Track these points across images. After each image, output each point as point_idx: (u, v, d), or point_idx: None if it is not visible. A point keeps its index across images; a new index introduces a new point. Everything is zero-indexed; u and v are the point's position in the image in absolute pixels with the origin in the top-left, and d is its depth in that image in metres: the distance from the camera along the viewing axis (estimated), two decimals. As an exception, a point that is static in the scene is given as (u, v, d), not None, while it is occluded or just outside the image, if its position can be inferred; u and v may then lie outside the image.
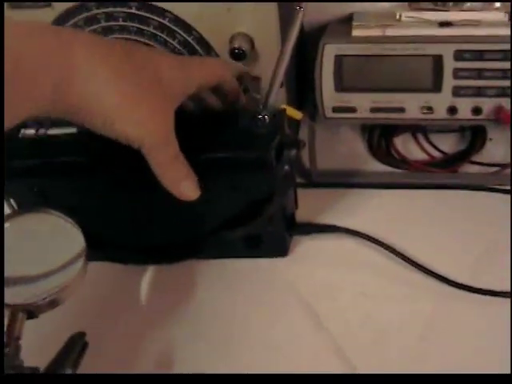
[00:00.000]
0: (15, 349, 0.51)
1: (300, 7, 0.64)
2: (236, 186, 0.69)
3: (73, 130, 0.71)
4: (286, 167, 0.67)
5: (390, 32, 0.77)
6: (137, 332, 0.69)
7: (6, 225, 0.57)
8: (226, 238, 0.73)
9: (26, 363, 0.51)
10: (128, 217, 0.72)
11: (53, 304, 0.54)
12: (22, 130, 0.72)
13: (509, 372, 0.57)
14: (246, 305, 0.71)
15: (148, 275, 0.76)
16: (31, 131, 0.72)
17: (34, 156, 0.70)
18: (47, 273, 0.55)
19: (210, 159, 0.66)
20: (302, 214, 0.79)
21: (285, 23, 0.69)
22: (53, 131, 0.72)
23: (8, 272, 0.54)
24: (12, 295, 0.53)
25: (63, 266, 0.55)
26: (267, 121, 0.67)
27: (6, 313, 0.52)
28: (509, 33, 0.73)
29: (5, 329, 0.52)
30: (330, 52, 0.77)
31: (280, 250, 0.75)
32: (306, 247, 0.77)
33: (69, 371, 0.52)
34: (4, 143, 0.53)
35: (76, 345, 0.54)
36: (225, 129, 0.69)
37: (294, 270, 0.74)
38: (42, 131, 0.72)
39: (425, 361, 0.63)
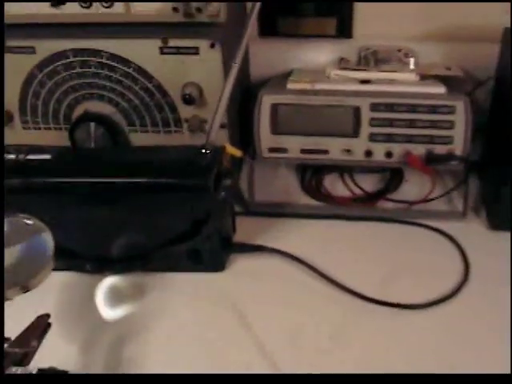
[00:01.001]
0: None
1: (235, 63, 0.79)
2: (180, 207, 0.82)
3: (47, 156, 0.84)
4: (223, 194, 0.81)
5: (318, 86, 0.92)
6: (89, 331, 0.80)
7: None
8: (171, 253, 0.86)
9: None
10: (88, 231, 0.85)
11: (25, 289, 0.67)
12: (5, 155, 0.85)
13: (509, 372, 0.66)
14: (186, 311, 0.83)
15: (103, 283, 0.88)
16: (12, 156, 0.85)
17: (16, 177, 0.83)
18: (21, 264, 0.68)
19: (158, 183, 0.80)
20: (239, 237, 0.92)
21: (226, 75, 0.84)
22: (30, 157, 0.85)
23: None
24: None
25: (35, 259, 0.68)
26: (209, 155, 0.81)
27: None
28: (417, 90, 0.88)
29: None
30: (266, 101, 0.91)
31: (217, 265, 0.88)
32: (240, 264, 0.90)
33: (34, 343, 0.65)
34: (4, 143, 0.66)
35: (41, 323, 0.68)
36: (173, 159, 0.83)
37: (229, 283, 0.87)
38: (21, 156, 0.85)
39: (332, 357, 0.76)
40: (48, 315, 0.69)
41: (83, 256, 0.87)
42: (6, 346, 0.64)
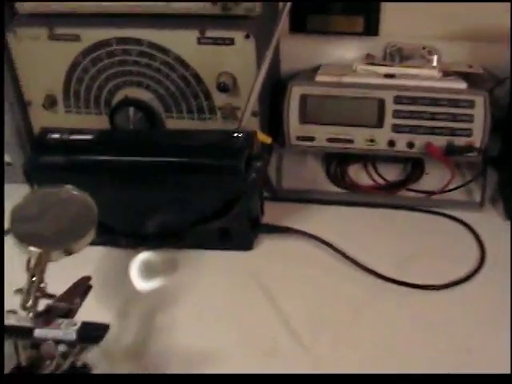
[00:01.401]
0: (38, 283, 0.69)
1: (267, 54, 0.85)
2: (212, 187, 0.87)
3: (89, 136, 0.90)
4: (253, 175, 0.86)
5: (345, 79, 0.97)
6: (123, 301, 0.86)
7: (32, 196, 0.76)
8: (202, 231, 0.91)
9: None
10: (124, 208, 0.90)
11: (70, 252, 0.72)
12: (49, 135, 0.91)
13: (509, 372, 0.68)
14: (215, 286, 0.88)
15: (137, 258, 0.93)
16: (56, 136, 0.91)
17: (59, 154, 0.88)
18: (66, 229, 0.73)
19: (192, 164, 0.86)
20: (267, 221, 0.97)
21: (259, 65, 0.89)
22: (73, 137, 0.91)
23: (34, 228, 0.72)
24: (39, 242, 0.71)
25: (79, 224, 0.74)
26: (241, 139, 0.87)
27: (35, 256, 0.71)
28: (439, 85, 0.94)
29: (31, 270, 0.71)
30: (296, 92, 0.97)
31: (246, 244, 0.93)
32: (267, 244, 0.95)
33: (77, 301, 0.71)
34: (3, 143, 0.71)
35: (83, 284, 0.73)
36: (207, 142, 0.88)
37: (257, 262, 0.92)
38: (64, 136, 0.91)
39: (353, 333, 0.80)
40: (90, 277, 0.74)
41: (119, 232, 0.91)
42: (51, 301, 0.69)
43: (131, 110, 0.97)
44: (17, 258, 0.70)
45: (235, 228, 0.90)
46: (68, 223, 0.73)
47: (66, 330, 0.64)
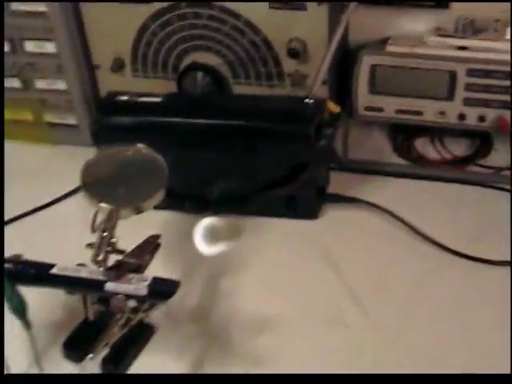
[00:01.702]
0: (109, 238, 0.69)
1: (341, 20, 0.83)
2: (280, 153, 0.86)
3: (157, 99, 0.90)
4: (323, 142, 0.86)
5: (416, 50, 0.95)
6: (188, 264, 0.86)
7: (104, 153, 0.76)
8: (268, 198, 0.90)
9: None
10: (190, 172, 0.89)
11: (139, 211, 0.72)
12: (117, 97, 0.91)
13: (509, 372, 0.66)
14: (279, 254, 0.89)
15: (202, 223, 0.93)
16: (125, 97, 0.91)
17: (128, 115, 0.88)
18: (136, 187, 0.73)
19: (261, 128, 0.85)
20: (331, 190, 0.96)
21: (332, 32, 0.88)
22: (141, 99, 0.91)
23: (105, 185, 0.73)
24: (110, 198, 0.71)
25: (149, 183, 0.73)
26: (311, 105, 0.86)
27: (105, 212, 0.71)
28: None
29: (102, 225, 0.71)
30: (366, 61, 0.95)
31: (311, 213, 0.93)
32: (332, 214, 0.94)
33: (147, 258, 0.71)
34: (3, 144, 0.71)
35: (152, 241, 0.73)
36: (277, 107, 0.87)
37: (322, 231, 0.91)
38: (133, 98, 0.91)
39: (416, 304, 0.80)
40: (159, 235, 0.74)
41: (184, 196, 0.91)
42: (121, 256, 0.69)
43: (199, 74, 0.97)
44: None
45: (301, 196, 0.90)
46: (138, 182, 0.73)
47: (137, 285, 0.64)
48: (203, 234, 0.90)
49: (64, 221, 0.98)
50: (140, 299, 0.64)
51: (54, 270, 0.68)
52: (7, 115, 1.12)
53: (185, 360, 0.75)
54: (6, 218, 0.97)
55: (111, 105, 0.90)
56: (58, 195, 1.03)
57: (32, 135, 1.13)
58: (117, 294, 0.64)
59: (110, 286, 0.65)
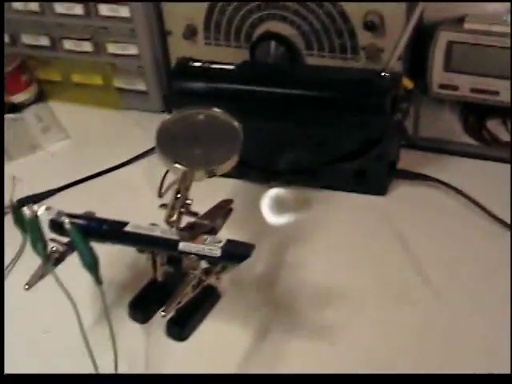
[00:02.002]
0: (183, 199, 0.69)
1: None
2: (353, 125, 0.85)
3: (230, 66, 0.89)
4: (398, 116, 0.84)
5: (495, 28, 0.93)
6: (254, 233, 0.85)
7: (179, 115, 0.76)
8: (337, 171, 0.89)
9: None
10: (259, 141, 0.87)
11: (211, 174, 0.72)
12: (190, 62, 0.91)
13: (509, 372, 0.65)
14: (347, 227, 0.88)
15: (268, 193, 0.93)
16: (197, 64, 0.91)
17: (200, 81, 0.88)
18: (211, 150, 0.73)
19: (335, 99, 0.85)
20: (401, 167, 0.95)
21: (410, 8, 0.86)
22: (214, 65, 0.90)
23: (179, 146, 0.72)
24: (184, 160, 0.71)
25: (224, 147, 0.73)
26: (387, 78, 0.84)
27: (179, 173, 0.71)
28: None
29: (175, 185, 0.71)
30: (443, 38, 0.93)
31: (381, 188, 0.91)
32: (402, 190, 0.93)
33: (219, 221, 0.71)
34: (3, 145, 0.71)
35: (225, 206, 0.73)
36: (351, 78, 0.86)
37: (391, 207, 0.90)
38: (206, 65, 0.90)
39: (487, 286, 0.78)
40: (232, 200, 0.74)
41: (252, 165, 0.90)
42: (194, 219, 0.68)
43: (273, 44, 0.96)
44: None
45: (372, 170, 0.89)
46: (213, 145, 0.73)
47: (211, 246, 0.63)
48: (270, 204, 0.90)
49: (131, 184, 0.99)
50: (213, 261, 0.64)
51: (127, 228, 0.68)
52: (78, 79, 1.12)
53: (249, 328, 0.74)
54: (79, 177, 0.98)
55: (184, 70, 0.90)
56: (125, 159, 1.03)
57: (101, 100, 1.14)
58: (190, 254, 0.64)
59: (183, 246, 0.64)
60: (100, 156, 1.05)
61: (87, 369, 0.66)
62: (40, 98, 1.19)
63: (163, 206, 0.69)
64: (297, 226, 0.87)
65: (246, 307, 0.77)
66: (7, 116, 1.12)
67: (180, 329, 0.74)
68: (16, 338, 0.76)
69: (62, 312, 0.73)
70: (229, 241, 0.64)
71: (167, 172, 0.93)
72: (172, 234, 0.66)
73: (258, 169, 0.91)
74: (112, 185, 0.99)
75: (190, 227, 0.68)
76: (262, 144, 0.88)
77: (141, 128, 1.08)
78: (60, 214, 0.69)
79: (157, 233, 0.66)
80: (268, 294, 0.79)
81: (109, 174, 1.02)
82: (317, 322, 0.75)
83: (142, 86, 1.09)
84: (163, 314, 0.61)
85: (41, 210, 0.70)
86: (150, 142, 0.97)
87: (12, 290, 0.82)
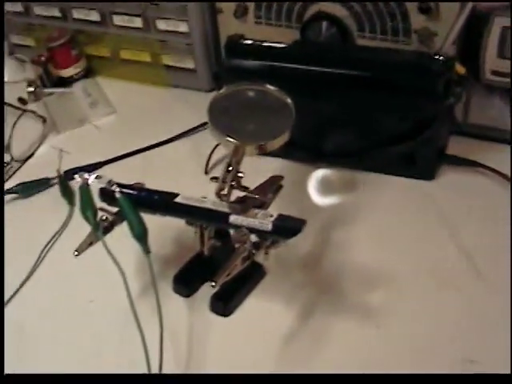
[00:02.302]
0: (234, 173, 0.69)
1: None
2: (404, 108, 0.84)
3: (282, 45, 0.89)
4: (451, 100, 0.83)
5: (553, 14, 0.91)
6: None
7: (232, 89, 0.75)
8: (385, 154, 0.89)
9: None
10: (308, 120, 0.85)
11: (262, 150, 0.71)
12: (242, 40, 0.90)
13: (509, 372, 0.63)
14: (393, 210, 0.87)
15: (315, 174, 0.92)
16: (249, 41, 0.90)
17: (252, 59, 0.88)
18: (263, 127, 0.72)
19: (387, 80, 0.84)
20: (450, 153, 0.94)
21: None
22: (266, 43, 0.90)
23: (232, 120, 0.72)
24: (236, 134, 0.71)
25: (276, 123, 0.72)
26: (441, 62, 0.83)
27: (231, 147, 0.70)
28: None
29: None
30: (498, 23, 0.91)
31: (429, 173, 0.90)
32: (449, 176, 0.91)
33: (270, 196, 0.70)
34: (3, 144, 0.71)
35: (275, 181, 0.72)
36: (404, 60, 0.85)
37: (438, 192, 0.89)
38: (257, 43, 0.90)
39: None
40: (282, 177, 0.73)
41: (299, 145, 0.90)
42: (245, 193, 0.68)
43: (324, 24, 0.95)
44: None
45: (421, 155, 0.87)
46: (265, 121, 0.73)
47: (262, 220, 0.63)
48: (317, 185, 0.89)
49: (177, 160, 1.00)
50: (263, 235, 0.64)
51: (178, 199, 0.68)
52: (126, 55, 1.13)
53: (293, 308, 0.74)
54: (125, 152, 0.99)
55: (236, 47, 0.90)
56: (171, 136, 1.04)
57: (149, 77, 1.14)
58: (241, 227, 0.63)
59: (234, 219, 0.64)
60: (146, 132, 1.06)
61: (130, 340, 0.66)
62: (88, 73, 1.19)
63: (214, 178, 0.68)
64: (343, 207, 0.86)
65: (290, 286, 0.77)
66: (56, 89, 1.12)
67: (224, 304, 0.74)
68: (62, 306, 0.78)
69: (105, 282, 0.75)
70: (280, 215, 0.64)
71: (214, 149, 0.93)
72: (223, 207, 0.66)
73: (305, 149, 0.90)
74: (158, 160, 1.00)
75: (241, 201, 0.67)
76: (311, 124, 0.87)
77: (188, 106, 1.08)
78: (111, 182, 0.69)
79: (207, 205, 0.66)
80: (313, 275, 0.78)
81: (155, 150, 1.02)
82: (362, 304, 0.74)
83: (190, 64, 1.09)
84: (213, 284, 0.60)
85: (91, 178, 0.70)
86: (197, 120, 1.01)
87: (56, 259, 0.84)
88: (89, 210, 0.68)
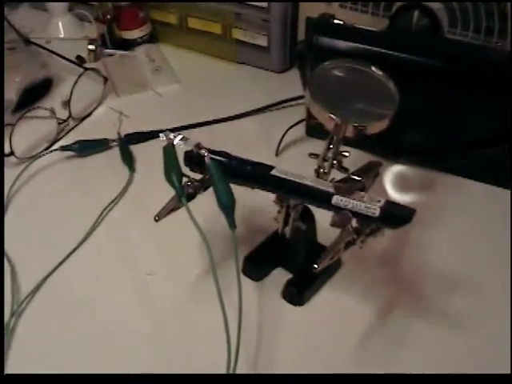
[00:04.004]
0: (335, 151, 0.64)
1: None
2: (499, 107, 0.79)
3: (375, 29, 0.84)
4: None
5: None
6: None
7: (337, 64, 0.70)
8: (470, 156, 0.84)
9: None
10: (397, 115, 0.83)
11: (362, 132, 0.66)
12: (331, 19, 0.85)
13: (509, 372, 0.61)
14: (473, 219, 0.82)
15: (392, 169, 0.88)
16: (341, 22, 0.85)
17: (342, 39, 0.83)
18: (366, 108, 0.67)
19: (482, 76, 0.79)
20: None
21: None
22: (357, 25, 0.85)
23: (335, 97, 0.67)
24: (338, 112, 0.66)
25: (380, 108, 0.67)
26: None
27: (332, 124, 0.65)
28: None
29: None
30: None
31: (512, 182, 0.84)
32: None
33: (369, 183, 0.65)
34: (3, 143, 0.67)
35: (374, 167, 0.67)
36: (502, 58, 0.80)
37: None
38: (348, 23, 0.85)
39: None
40: (380, 162, 0.69)
41: (380, 138, 0.84)
42: (345, 175, 0.63)
43: (416, 14, 0.90)
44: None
45: (506, 161, 0.82)
46: (369, 103, 0.68)
47: (369, 204, 0.58)
48: (393, 181, 0.84)
49: (243, 138, 0.95)
50: (368, 221, 0.58)
51: (274, 172, 0.62)
52: (195, 24, 1.08)
53: (368, 305, 0.70)
54: (186, 123, 0.95)
55: (326, 26, 0.84)
56: (236, 113, 0.99)
57: (216, 50, 1.09)
58: (345, 209, 0.58)
59: (339, 200, 0.59)
60: (210, 106, 1.01)
61: (192, 322, 0.65)
62: (152, 38, 1.14)
63: (313, 155, 0.63)
64: (420, 206, 0.80)
65: (366, 283, 0.73)
66: (119, 51, 1.07)
67: (299, 292, 0.69)
68: (118, 280, 0.73)
69: (167, 256, 0.73)
70: (388, 201, 0.58)
71: (287, 131, 0.88)
72: (326, 186, 0.60)
73: (385, 142, 0.85)
74: (224, 136, 0.95)
75: (344, 181, 0.62)
76: (395, 116, 0.82)
77: (256, 85, 1.04)
78: (199, 146, 0.63)
79: (308, 182, 0.61)
80: (390, 272, 0.74)
81: (221, 125, 0.98)
82: (443, 308, 0.70)
83: (263, 42, 1.04)
84: (315, 266, 0.55)
85: (177, 139, 0.65)
86: (266, 100, 0.97)
87: (113, 227, 0.80)
88: (174, 173, 0.63)
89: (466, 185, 0.86)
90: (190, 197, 0.64)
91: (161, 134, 0.66)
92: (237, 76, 1.08)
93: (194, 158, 0.65)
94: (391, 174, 0.86)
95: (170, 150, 0.64)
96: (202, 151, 0.63)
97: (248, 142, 0.93)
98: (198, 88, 1.05)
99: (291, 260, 0.71)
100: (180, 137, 0.66)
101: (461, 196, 0.84)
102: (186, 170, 0.66)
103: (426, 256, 0.76)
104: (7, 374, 0.61)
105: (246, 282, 0.72)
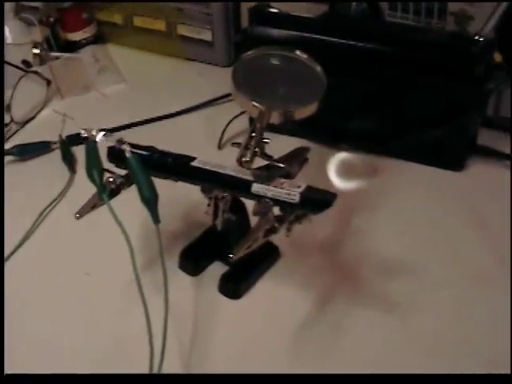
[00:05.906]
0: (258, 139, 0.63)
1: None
2: (437, 91, 0.79)
3: (308, 14, 0.83)
4: (492, 85, 0.77)
5: None
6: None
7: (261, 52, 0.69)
8: (412, 139, 0.83)
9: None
10: (331, 99, 0.82)
11: (289, 117, 0.65)
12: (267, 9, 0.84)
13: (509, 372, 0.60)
14: (416, 199, 0.81)
15: (337, 157, 0.87)
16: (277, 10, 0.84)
17: (277, 27, 0.82)
18: (291, 94, 0.66)
19: (422, 59, 0.78)
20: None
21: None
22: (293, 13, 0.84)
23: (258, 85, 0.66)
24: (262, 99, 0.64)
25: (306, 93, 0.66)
26: (481, 43, 0.77)
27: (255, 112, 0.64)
28: None
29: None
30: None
31: (457, 163, 0.84)
32: (478, 168, 0.86)
33: (295, 168, 0.64)
34: (3, 142, 0.66)
35: (301, 153, 0.66)
36: (442, 39, 0.79)
37: (465, 184, 0.83)
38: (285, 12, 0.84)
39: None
40: (308, 148, 0.67)
41: (321, 125, 0.84)
42: (268, 162, 0.62)
43: (355, -1, 0.89)
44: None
45: (450, 143, 0.81)
46: (293, 88, 0.67)
47: (289, 191, 0.56)
48: (338, 168, 0.83)
49: (186, 133, 0.95)
50: (289, 208, 0.57)
51: (194, 163, 0.61)
52: (140, 23, 1.07)
53: (308, 295, 0.69)
54: (131, 121, 0.95)
55: (262, 15, 0.83)
56: (181, 108, 0.99)
57: (162, 47, 1.09)
58: (265, 197, 0.57)
59: (258, 188, 0.58)
60: (155, 103, 1.00)
61: (127, 319, 0.63)
62: (98, 39, 1.13)
63: (235, 144, 0.62)
64: (364, 192, 0.80)
65: (306, 272, 0.71)
66: (63, 54, 1.06)
67: (235, 285, 0.68)
68: (56, 278, 0.72)
69: (104, 254, 0.72)
70: (308, 187, 0.57)
71: (228, 124, 0.88)
72: (245, 174, 0.59)
73: (327, 130, 0.83)
74: (167, 132, 0.94)
75: (266, 168, 0.61)
76: (336, 102, 0.80)
77: (202, 80, 1.03)
78: (121, 141, 0.62)
79: (228, 171, 0.60)
80: (331, 260, 0.73)
81: (164, 121, 0.97)
82: (383, 293, 0.69)
83: (207, 36, 1.03)
84: (231, 256, 0.54)
85: (99, 135, 0.64)
86: (211, 94, 0.96)
87: (52, 227, 0.79)
88: (95, 169, 0.62)
89: (410, 168, 0.85)
90: (114, 193, 0.62)
91: (82, 131, 0.64)
92: (183, 72, 1.07)
93: (116, 154, 0.63)
94: (336, 161, 0.85)
95: (91, 146, 0.63)
96: (123, 146, 0.62)
97: (193, 136, 0.92)
98: (144, 86, 1.05)
99: (227, 252, 0.70)
100: (102, 133, 0.65)
101: (405, 180, 0.84)
102: (112, 167, 0.65)
103: (368, 242, 0.75)
104: (7, 374, 0.59)
105: (183, 277, 0.70)
